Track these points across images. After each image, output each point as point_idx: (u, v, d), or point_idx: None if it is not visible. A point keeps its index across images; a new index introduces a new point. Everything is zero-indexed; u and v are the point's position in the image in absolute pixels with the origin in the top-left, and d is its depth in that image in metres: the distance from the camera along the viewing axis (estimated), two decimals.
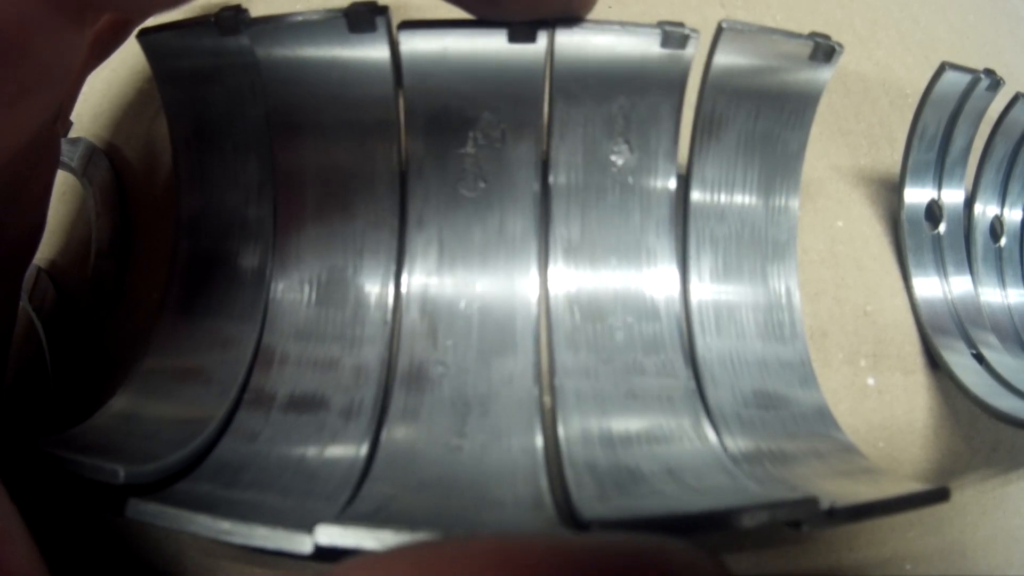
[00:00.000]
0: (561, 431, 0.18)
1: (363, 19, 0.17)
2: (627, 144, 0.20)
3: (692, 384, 0.19)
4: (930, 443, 0.21)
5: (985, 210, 0.25)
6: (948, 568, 0.20)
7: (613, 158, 0.20)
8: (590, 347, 0.20)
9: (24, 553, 0.11)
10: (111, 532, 0.18)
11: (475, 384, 0.19)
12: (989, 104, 0.24)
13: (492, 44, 0.18)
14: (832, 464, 0.17)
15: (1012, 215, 0.25)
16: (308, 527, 0.13)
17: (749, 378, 0.20)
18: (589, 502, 0.15)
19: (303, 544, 0.13)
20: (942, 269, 0.24)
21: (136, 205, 0.22)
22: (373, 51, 0.18)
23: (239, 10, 0.18)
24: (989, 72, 0.22)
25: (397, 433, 0.18)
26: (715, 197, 0.21)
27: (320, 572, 0.10)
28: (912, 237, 0.23)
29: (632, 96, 0.20)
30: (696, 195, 0.21)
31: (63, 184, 0.22)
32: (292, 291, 0.20)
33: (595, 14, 0.18)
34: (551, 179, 0.20)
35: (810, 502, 0.13)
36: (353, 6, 0.17)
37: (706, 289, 0.21)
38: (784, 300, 0.21)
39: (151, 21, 0.19)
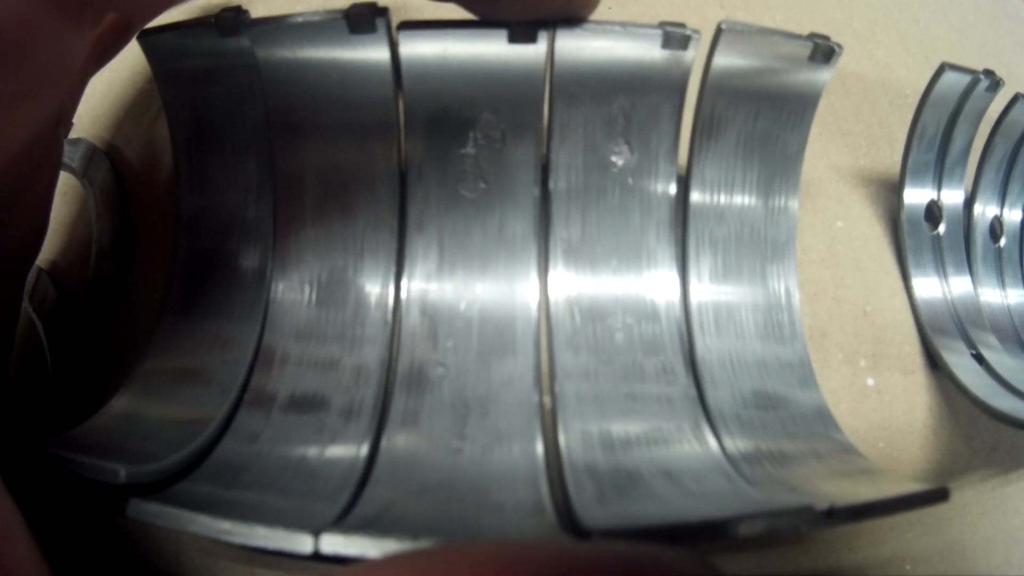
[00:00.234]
0: (561, 433, 0.18)
1: (363, 20, 0.17)
2: (627, 145, 0.20)
3: (691, 386, 0.19)
4: (930, 443, 0.21)
5: (985, 210, 0.25)
6: (948, 568, 0.20)
7: (613, 159, 0.20)
8: (590, 348, 0.20)
9: (26, 552, 0.11)
10: (112, 532, 0.18)
11: (475, 385, 0.19)
12: (989, 104, 0.24)
13: (492, 45, 0.18)
14: (831, 464, 0.17)
15: (1012, 215, 0.25)
16: (308, 527, 0.13)
17: (749, 379, 0.20)
18: (589, 506, 0.15)
19: (303, 544, 0.13)
20: (942, 269, 0.24)
21: (137, 206, 0.22)
22: (373, 52, 0.18)
23: (239, 11, 0.18)
24: (989, 73, 0.22)
25: (398, 436, 0.18)
26: (715, 198, 0.21)
27: None
28: (912, 237, 0.23)
29: (633, 96, 0.20)
30: (696, 196, 0.21)
31: (64, 185, 0.22)
32: (292, 291, 0.20)
33: (595, 14, 0.18)
34: (551, 180, 0.20)
35: (806, 510, 0.13)
36: (353, 7, 0.17)
37: (706, 290, 0.21)
38: (784, 300, 0.21)
39: (152, 22, 0.19)
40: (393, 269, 0.20)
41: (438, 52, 0.18)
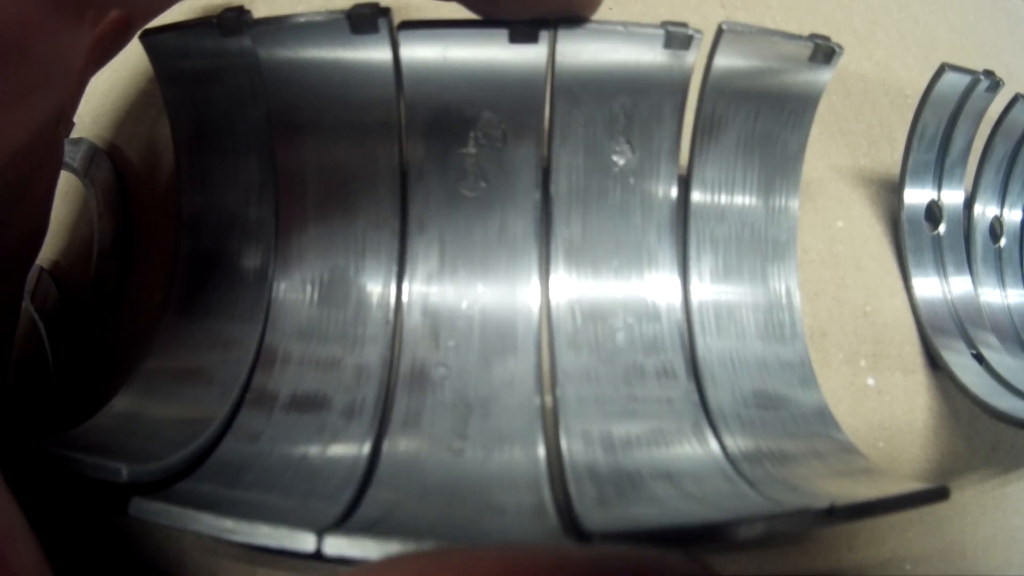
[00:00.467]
0: (562, 435, 0.18)
1: (365, 20, 0.17)
2: (629, 144, 0.20)
3: (692, 386, 0.19)
4: (930, 443, 0.21)
5: (985, 210, 0.25)
6: (948, 568, 0.20)
7: (614, 159, 0.21)
8: (591, 348, 0.20)
9: (28, 552, 0.11)
10: (113, 532, 0.18)
11: (476, 385, 0.19)
12: (989, 105, 0.24)
13: (493, 44, 0.18)
14: (832, 464, 0.17)
15: (1012, 215, 0.25)
16: (310, 526, 0.13)
17: (749, 378, 0.20)
18: (590, 509, 0.15)
19: (306, 543, 0.13)
20: (942, 269, 0.24)
21: (138, 205, 0.22)
22: (375, 52, 0.18)
23: (241, 11, 0.18)
24: (989, 73, 0.22)
25: (400, 437, 0.18)
26: (715, 198, 0.21)
27: None
28: (912, 237, 0.23)
29: (634, 96, 0.20)
30: (696, 196, 0.21)
31: (65, 184, 0.22)
32: (294, 291, 0.20)
33: (596, 14, 0.18)
34: (552, 179, 0.20)
35: (805, 512, 0.13)
36: (355, 7, 0.17)
37: (706, 289, 0.21)
38: (784, 300, 0.21)
39: (154, 22, 0.19)
40: (394, 268, 0.20)
41: (439, 52, 0.18)
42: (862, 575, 0.19)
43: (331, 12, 0.17)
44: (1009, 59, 0.29)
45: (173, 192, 0.21)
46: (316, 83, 0.19)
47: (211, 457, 0.17)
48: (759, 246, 0.21)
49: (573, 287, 0.20)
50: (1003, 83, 0.23)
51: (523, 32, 0.18)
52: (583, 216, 0.21)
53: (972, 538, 0.20)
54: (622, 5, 0.26)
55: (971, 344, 0.22)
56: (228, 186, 0.21)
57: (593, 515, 0.15)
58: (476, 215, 0.20)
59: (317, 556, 0.13)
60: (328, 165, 0.20)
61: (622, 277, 0.21)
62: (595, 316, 0.20)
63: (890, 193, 0.24)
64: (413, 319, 0.20)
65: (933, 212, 0.24)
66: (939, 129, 0.23)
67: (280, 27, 0.18)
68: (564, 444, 0.18)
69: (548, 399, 0.19)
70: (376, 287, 0.20)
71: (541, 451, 0.18)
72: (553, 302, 0.20)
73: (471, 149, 0.20)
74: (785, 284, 0.21)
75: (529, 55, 0.18)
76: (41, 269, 0.21)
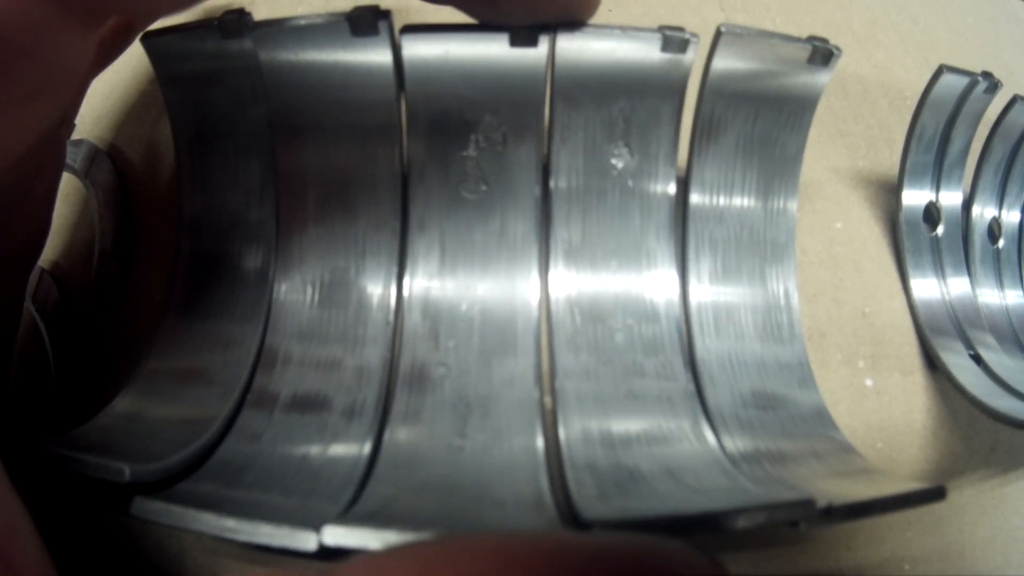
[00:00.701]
0: (562, 432, 0.18)
1: (366, 23, 0.17)
2: (627, 147, 0.20)
3: (691, 385, 0.19)
4: (928, 444, 0.21)
5: (983, 212, 0.25)
6: (947, 568, 0.20)
7: (613, 161, 0.21)
8: (590, 349, 0.20)
9: (32, 550, 0.11)
10: (115, 531, 0.18)
11: (476, 385, 0.19)
12: (987, 106, 0.24)
13: (494, 48, 0.18)
14: (830, 464, 0.17)
15: (1010, 217, 0.25)
16: (311, 526, 0.13)
17: (748, 379, 0.20)
18: (589, 502, 0.15)
19: (307, 542, 0.13)
20: (940, 270, 0.24)
21: (139, 207, 0.22)
22: (375, 55, 0.18)
23: (242, 13, 0.18)
24: (987, 75, 0.23)
25: (399, 434, 0.18)
26: (714, 199, 0.21)
27: (324, 571, 0.10)
28: (910, 239, 0.23)
29: (633, 99, 0.20)
30: (695, 197, 0.21)
31: (66, 186, 0.23)
32: (295, 292, 0.20)
33: (594, 18, 0.19)
34: (552, 182, 0.20)
35: (807, 503, 0.13)
36: (356, 10, 0.17)
37: (705, 291, 0.21)
38: (783, 301, 0.21)
39: (155, 24, 0.19)
40: (395, 270, 0.20)
41: (440, 55, 0.19)
42: (861, 575, 0.19)
43: (331, 14, 0.17)
44: (1008, 60, 0.29)
45: (174, 193, 0.21)
46: (317, 85, 0.19)
47: (212, 457, 0.17)
48: (758, 247, 0.21)
49: (572, 288, 0.20)
50: (1001, 84, 0.23)
51: (523, 36, 0.18)
52: (582, 218, 0.21)
53: (971, 538, 0.20)
54: (621, 7, 0.26)
55: (969, 345, 0.22)
56: (229, 187, 0.21)
57: (592, 507, 0.15)
58: (476, 217, 0.20)
59: (318, 555, 0.13)
60: (329, 167, 0.20)
61: (621, 278, 0.21)
62: (594, 317, 0.20)
63: (889, 194, 0.24)
64: (413, 320, 0.20)
65: (931, 213, 0.24)
66: (937, 130, 0.23)
67: (281, 29, 0.18)
68: (564, 441, 0.18)
69: (547, 400, 0.19)
70: (376, 288, 0.20)
71: (540, 445, 0.18)
72: (553, 303, 0.20)
73: (471, 152, 0.20)
74: (784, 285, 0.21)
75: (529, 58, 0.19)
76: (42, 270, 0.21)
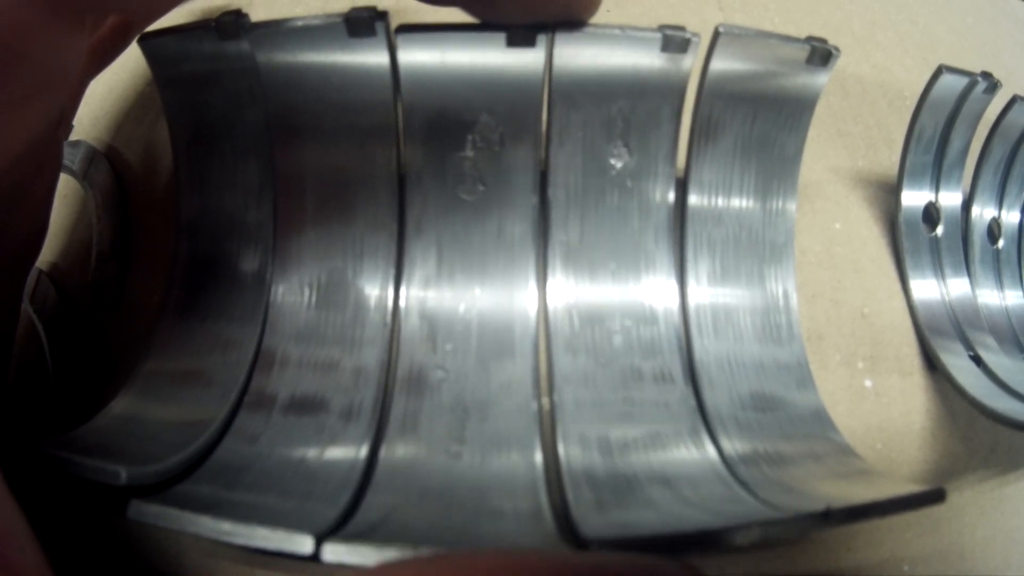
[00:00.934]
0: (559, 438, 0.18)
1: (363, 24, 0.17)
2: (626, 147, 0.20)
3: (689, 389, 0.19)
4: (928, 445, 0.21)
5: (982, 212, 0.25)
6: (946, 569, 0.20)
7: (612, 161, 0.21)
8: (588, 351, 0.20)
9: (29, 553, 0.11)
10: (113, 533, 0.18)
11: (474, 389, 0.19)
12: (987, 106, 0.24)
13: (491, 48, 0.18)
14: (829, 466, 0.17)
15: (1009, 217, 0.25)
16: (308, 528, 0.13)
17: (746, 380, 0.20)
18: (587, 513, 0.15)
19: (304, 545, 0.13)
20: (939, 271, 0.24)
21: (137, 208, 0.22)
22: (372, 56, 0.18)
23: (239, 15, 0.18)
24: (986, 75, 0.22)
25: (398, 439, 0.18)
26: (712, 200, 0.21)
27: None
28: (910, 239, 0.23)
29: (632, 99, 0.20)
30: (694, 198, 0.21)
31: (64, 187, 0.22)
32: (292, 293, 0.20)
33: (593, 17, 0.19)
34: (550, 183, 0.20)
35: (801, 519, 0.13)
36: (353, 11, 0.17)
37: (704, 292, 0.21)
38: (781, 302, 0.21)
39: (152, 26, 0.19)
40: (392, 271, 0.20)
41: (437, 56, 0.18)
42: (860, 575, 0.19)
43: (328, 16, 0.17)
44: (1007, 60, 0.29)
45: (172, 195, 0.21)
46: (314, 87, 0.19)
47: (210, 459, 0.17)
48: (756, 248, 0.21)
49: (571, 290, 0.20)
50: (1001, 84, 0.23)
51: (521, 36, 0.18)
52: (581, 219, 0.21)
53: (970, 539, 0.20)
54: (620, 7, 0.26)
55: (969, 346, 0.22)
56: (227, 189, 0.21)
57: (590, 519, 0.15)
58: (474, 218, 0.20)
59: (315, 559, 0.13)
60: (326, 168, 0.20)
61: (619, 280, 0.21)
62: (592, 319, 0.20)
63: (888, 195, 0.24)
64: (411, 322, 0.20)
65: (931, 214, 0.24)
66: (937, 131, 0.23)
67: (278, 31, 0.18)
68: (561, 448, 0.18)
69: (545, 402, 0.19)
70: (374, 290, 0.20)
71: (538, 455, 0.18)
72: (550, 305, 0.20)
73: (469, 152, 0.20)
74: (782, 286, 0.21)
75: (527, 59, 0.19)
76: (40, 271, 0.21)
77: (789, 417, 0.19)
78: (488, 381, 0.19)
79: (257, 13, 0.18)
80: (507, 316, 0.20)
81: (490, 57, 0.19)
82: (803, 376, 0.20)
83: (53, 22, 0.13)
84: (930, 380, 0.22)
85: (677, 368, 0.20)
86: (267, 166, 0.20)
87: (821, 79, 0.20)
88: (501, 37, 0.18)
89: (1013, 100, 0.23)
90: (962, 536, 0.20)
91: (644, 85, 0.19)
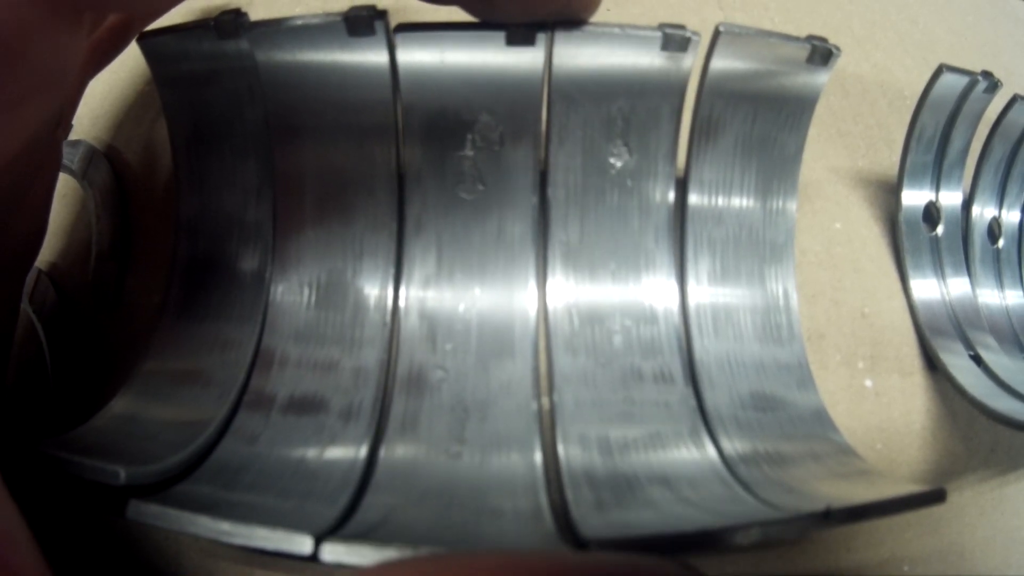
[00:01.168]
0: (559, 438, 0.18)
1: (362, 23, 0.17)
2: (626, 147, 0.20)
3: (689, 389, 0.19)
4: (928, 445, 0.21)
5: (983, 212, 0.25)
6: (946, 569, 0.20)
7: (612, 161, 0.21)
8: (588, 351, 0.20)
9: (27, 554, 0.11)
10: (112, 533, 0.18)
11: (474, 389, 0.19)
12: (987, 106, 0.24)
13: (490, 47, 0.18)
14: (829, 466, 0.17)
15: (1010, 217, 0.25)
16: (308, 528, 0.13)
17: (746, 380, 0.20)
18: (586, 513, 0.15)
19: (303, 545, 0.13)
20: (940, 271, 0.24)
21: (136, 207, 0.22)
22: (372, 55, 0.18)
23: (239, 14, 0.18)
24: (987, 74, 0.22)
25: (397, 439, 0.18)
26: (713, 200, 0.21)
27: None
28: (910, 239, 0.23)
29: (632, 98, 0.20)
30: (694, 198, 0.21)
31: (63, 186, 0.22)
32: (292, 293, 0.20)
33: (593, 16, 0.18)
34: (550, 182, 0.20)
35: (801, 519, 0.13)
36: (352, 10, 0.17)
37: (704, 292, 0.21)
38: (782, 302, 0.21)
39: (151, 25, 0.19)
40: (392, 271, 0.20)
41: (436, 54, 0.18)
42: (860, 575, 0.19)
43: (328, 15, 0.17)
44: (1008, 60, 0.29)
45: (171, 194, 0.21)
46: (313, 86, 0.19)
47: (209, 459, 0.17)
48: (757, 248, 0.21)
49: (570, 290, 0.20)
50: (1001, 84, 0.23)
51: (520, 35, 0.18)
52: (581, 219, 0.21)
53: (970, 539, 0.20)
54: (620, 6, 0.26)
55: (969, 346, 0.22)
56: (226, 188, 0.21)
57: (589, 519, 0.15)
58: (473, 218, 0.20)
59: (314, 559, 0.13)
60: (326, 168, 0.20)
61: (619, 280, 0.21)
62: (592, 319, 0.20)
63: (888, 194, 0.24)
64: (410, 322, 0.20)
65: (931, 213, 0.24)
66: (937, 130, 0.23)
67: (277, 30, 0.18)
68: (561, 448, 0.18)
69: (545, 402, 0.19)
70: (373, 290, 0.20)
71: (538, 455, 0.18)
72: (550, 305, 0.20)
73: (468, 152, 0.20)
74: (783, 286, 0.21)
75: (526, 58, 0.18)
76: (39, 271, 0.21)
77: (789, 417, 0.19)
78: (488, 381, 0.19)
79: (256, 12, 0.18)
80: (507, 316, 0.20)
81: (490, 56, 0.18)
82: (803, 376, 0.20)
83: (52, 21, 0.13)
84: (930, 380, 0.22)
85: (677, 368, 0.20)
86: (266, 165, 0.20)
87: (821, 78, 0.20)
88: (500, 36, 0.18)
89: (1013, 99, 0.23)
90: (962, 536, 0.20)
91: (644, 84, 0.19)
